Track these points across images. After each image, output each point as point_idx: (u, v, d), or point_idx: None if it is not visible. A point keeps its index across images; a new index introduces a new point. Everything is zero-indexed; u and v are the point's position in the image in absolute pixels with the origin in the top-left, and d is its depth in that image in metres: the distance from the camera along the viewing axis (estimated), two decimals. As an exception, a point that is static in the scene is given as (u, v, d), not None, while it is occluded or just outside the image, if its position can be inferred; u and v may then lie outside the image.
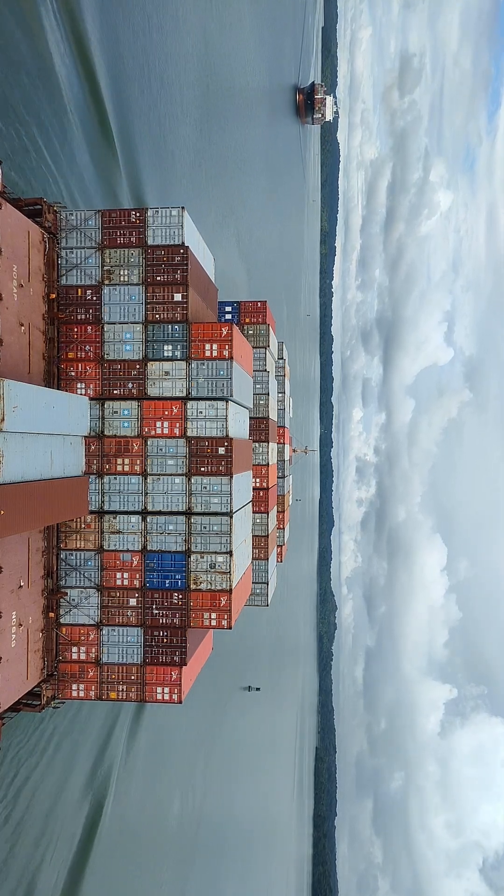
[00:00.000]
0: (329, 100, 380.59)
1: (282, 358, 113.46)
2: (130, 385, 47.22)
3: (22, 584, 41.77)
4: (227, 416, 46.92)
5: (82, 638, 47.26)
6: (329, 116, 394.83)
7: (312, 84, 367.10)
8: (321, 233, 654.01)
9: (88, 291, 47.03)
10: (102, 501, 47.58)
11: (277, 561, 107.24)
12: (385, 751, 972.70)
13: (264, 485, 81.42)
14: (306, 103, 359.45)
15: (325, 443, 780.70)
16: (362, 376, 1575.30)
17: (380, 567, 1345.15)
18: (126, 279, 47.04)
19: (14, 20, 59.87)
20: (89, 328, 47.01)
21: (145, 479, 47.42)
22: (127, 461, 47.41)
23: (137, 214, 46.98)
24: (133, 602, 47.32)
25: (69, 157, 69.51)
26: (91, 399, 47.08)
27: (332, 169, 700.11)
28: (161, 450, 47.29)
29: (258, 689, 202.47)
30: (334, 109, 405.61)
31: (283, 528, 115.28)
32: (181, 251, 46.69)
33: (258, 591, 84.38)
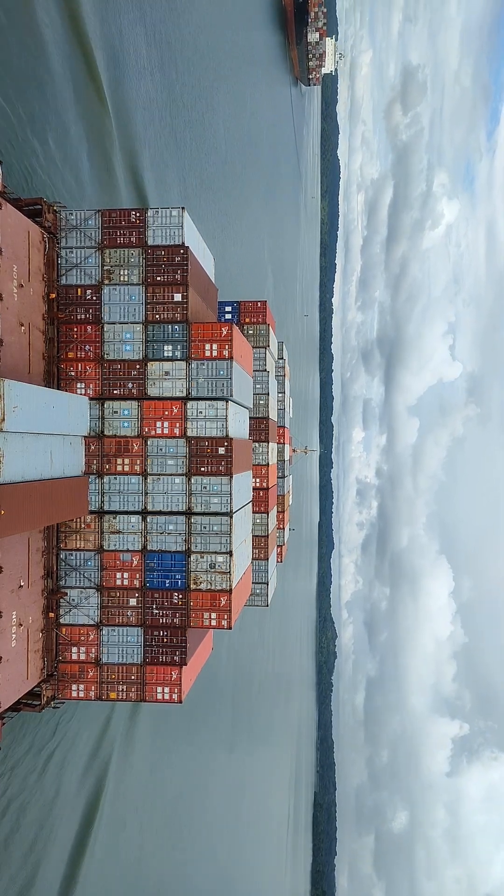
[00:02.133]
0: (329, 43, 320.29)
1: (282, 358, 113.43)
2: (130, 385, 47.23)
3: (22, 584, 41.77)
4: (227, 416, 46.93)
5: (82, 638, 47.26)
6: (330, 67, 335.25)
7: None
8: (321, 244, 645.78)
9: (88, 291, 47.04)
10: (102, 501, 47.59)
11: (277, 561, 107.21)
12: (387, 785, 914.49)
13: (264, 485, 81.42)
14: (297, 16, 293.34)
15: (325, 463, 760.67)
16: (363, 397, 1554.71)
17: (381, 592, 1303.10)
18: (126, 279, 47.05)
19: (14, 18, 59.86)
20: (89, 328, 47.02)
21: (145, 479, 47.42)
22: (127, 461, 47.42)
23: (137, 214, 46.99)
24: (133, 602, 47.33)
25: (69, 157, 69.49)
26: (91, 399, 47.08)
27: (332, 189, 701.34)
28: (161, 450, 47.30)
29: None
30: (337, 57, 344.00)
31: (283, 528, 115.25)
32: (181, 251, 46.70)
33: (258, 591, 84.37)
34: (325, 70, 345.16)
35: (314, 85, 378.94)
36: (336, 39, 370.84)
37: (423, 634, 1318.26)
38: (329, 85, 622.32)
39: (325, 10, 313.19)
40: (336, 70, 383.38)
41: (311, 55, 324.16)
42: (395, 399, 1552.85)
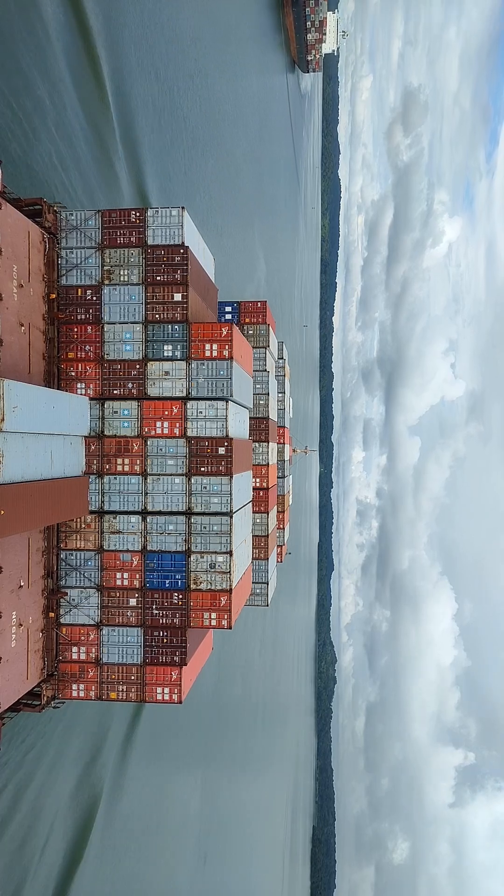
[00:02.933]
0: (331, 17, 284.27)
1: (282, 358, 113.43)
2: (130, 385, 47.23)
3: (22, 584, 41.77)
4: (227, 416, 46.93)
5: (82, 638, 47.26)
6: (332, 45, 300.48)
7: None
8: (321, 262, 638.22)
9: (88, 291, 47.04)
10: (102, 501, 47.58)
11: (277, 561, 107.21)
12: (388, 815, 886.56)
13: (264, 485, 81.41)
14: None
15: (325, 483, 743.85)
16: (363, 417, 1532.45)
17: (381, 615, 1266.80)
18: (126, 279, 47.05)
19: (16, 17, 59.87)
20: (89, 328, 47.02)
21: (145, 479, 47.42)
22: (127, 461, 47.41)
23: (137, 214, 46.98)
24: (133, 602, 47.32)
25: (69, 156, 69.49)
26: (91, 399, 47.08)
27: (333, 209, 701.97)
28: (161, 450, 47.29)
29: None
30: (340, 33, 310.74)
31: (283, 528, 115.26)
32: (181, 251, 46.70)
33: (258, 591, 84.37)
34: (326, 48, 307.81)
35: (314, 71, 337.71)
36: (338, 13, 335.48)
37: (424, 660, 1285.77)
38: (329, 87, 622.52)
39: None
40: (338, 51, 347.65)
41: (310, 25, 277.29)
42: (395, 418, 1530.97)
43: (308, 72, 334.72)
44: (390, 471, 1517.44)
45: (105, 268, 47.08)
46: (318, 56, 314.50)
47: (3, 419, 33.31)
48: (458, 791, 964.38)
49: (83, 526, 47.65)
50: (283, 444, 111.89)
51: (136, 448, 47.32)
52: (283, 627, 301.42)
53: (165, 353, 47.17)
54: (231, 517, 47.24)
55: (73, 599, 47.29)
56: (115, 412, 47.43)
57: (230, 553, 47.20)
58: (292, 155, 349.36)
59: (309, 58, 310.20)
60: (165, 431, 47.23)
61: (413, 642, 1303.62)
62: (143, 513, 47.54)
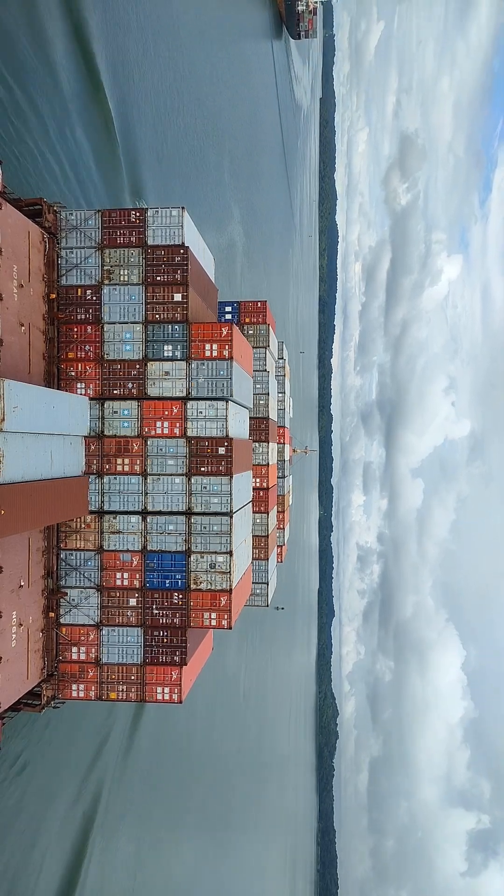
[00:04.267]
0: None
1: (282, 358, 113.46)
2: (130, 385, 47.23)
3: (22, 583, 41.78)
4: (227, 416, 46.93)
5: (82, 638, 47.26)
6: None
7: None
8: (319, 300, 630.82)
9: (88, 291, 47.04)
10: (102, 501, 47.58)
11: (277, 561, 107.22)
12: (395, 880, 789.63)
13: (264, 485, 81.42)
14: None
15: (325, 527, 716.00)
16: (363, 460, 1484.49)
17: (385, 665, 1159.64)
18: (126, 279, 47.05)
19: (16, 18, 59.89)
20: (89, 328, 47.02)
21: (145, 479, 47.42)
22: (127, 461, 47.41)
23: (137, 214, 46.98)
24: (133, 602, 47.32)
25: (70, 156, 69.51)
26: (91, 399, 47.08)
27: (331, 251, 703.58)
28: (161, 450, 47.29)
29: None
30: None
31: (283, 528, 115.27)
32: (181, 251, 46.69)
33: (258, 591, 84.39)
34: None
35: (307, 37, 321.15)
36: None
37: (431, 716, 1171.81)
38: (326, 131, 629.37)
39: None
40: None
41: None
42: (397, 461, 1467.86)
43: (299, 38, 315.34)
44: (392, 515, 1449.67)
45: (105, 268, 47.07)
46: (311, 11, 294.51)
47: (3, 419, 33.31)
48: (470, 857, 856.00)
49: (83, 526, 47.64)
50: (283, 444, 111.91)
51: (136, 448, 47.31)
52: (282, 678, 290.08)
53: (165, 353, 47.16)
54: (231, 517, 47.24)
55: (73, 599, 47.29)
56: (115, 412, 47.42)
57: (230, 553, 47.20)
58: (285, 170, 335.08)
59: (299, 8, 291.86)
60: (165, 431, 47.23)
61: (419, 696, 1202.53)
62: (143, 513, 47.54)
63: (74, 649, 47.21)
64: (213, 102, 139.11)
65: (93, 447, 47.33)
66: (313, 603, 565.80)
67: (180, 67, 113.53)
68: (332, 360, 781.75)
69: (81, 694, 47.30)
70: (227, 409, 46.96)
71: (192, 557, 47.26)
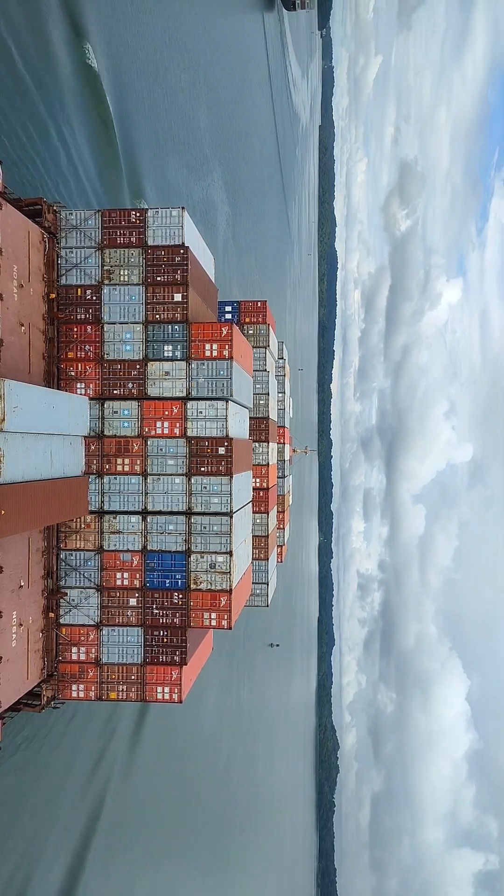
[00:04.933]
0: None
1: (282, 358, 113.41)
2: (130, 385, 47.22)
3: (22, 584, 41.77)
4: (227, 416, 46.92)
5: (82, 638, 47.25)
6: None
7: None
8: (319, 324, 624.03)
9: (88, 291, 47.03)
10: (102, 501, 47.58)
11: (277, 561, 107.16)
12: None
13: (264, 485, 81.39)
14: None
15: (325, 553, 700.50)
16: (363, 486, 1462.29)
17: (386, 696, 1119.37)
18: (126, 279, 47.04)
19: (17, 18, 59.87)
20: (89, 328, 47.01)
21: (145, 479, 47.41)
22: (127, 461, 47.41)
23: (137, 214, 46.98)
24: (133, 602, 47.32)
25: (71, 156, 69.50)
26: (91, 399, 47.07)
27: (330, 276, 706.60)
28: (161, 450, 47.29)
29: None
30: None
31: (283, 528, 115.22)
32: (181, 251, 46.68)
33: (258, 591, 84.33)
34: None
35: (303, 7, 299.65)
36: None
37: (435, 752, 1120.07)
38: (325, 158, 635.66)
39: None
40: None
41: None
42: (398, 487, 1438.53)
43: (294, 9, 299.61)
44: (393, 542, 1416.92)
45: (105, 268, 47.06)
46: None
47: (3, 419, 33.30)
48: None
49: (83, 526, 47.64)
50: (283, 443, 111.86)
51: (136, 448, 47.31)
52: (281, 709, 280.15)
53: (165, 353, 47.16)
54: (231, 517, 47.24)
55: (73, 599, 47.28)
56: (115, 412, 47.42)
57: (230, 553, 47.20)
58: (281, 183, 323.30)
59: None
60: (165, 431, 47.23)
61: (423, 730, 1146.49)
62: (144, 513, 47.53)
63: (74, 649, 47.20)
64: (204, 78, 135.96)
65: (93, 447, 47.33)
66: (313, 631, 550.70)
67: (172, 50, 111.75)
68: (331, 385, 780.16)
69: (81, 694, 47.30)
70: (227, 409, 46.96)
71: (192, 557, 47.26)
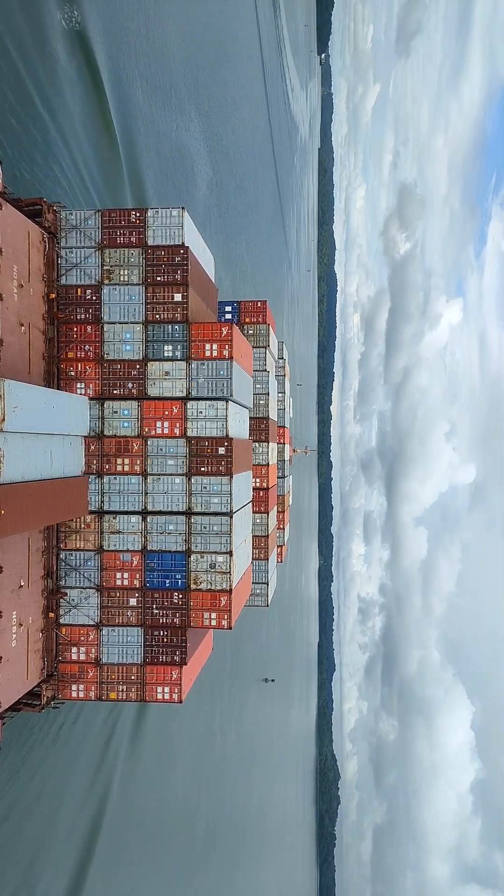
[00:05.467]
0: None
1: (282, 358, 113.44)
2: (130, 385, 47.21)
3: (22, 584, 41.76)
4: (227, 416, 46.92)
5: (82, 638, 47.24)
6: None
7: None
8: (318, 346, 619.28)
9: (88, 291, 47.02)
10: (102, 501, 47.57)
11: (277, 561, 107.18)
12: None
13: (264, 485, 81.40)
14: None
15: (325, 576, 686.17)
16: (363, 509, 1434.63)
17: (388, 724, 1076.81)
18: (126, 279, 47.03)
19: (18, 18, 59.86)
20: (89, 328, 47.00)
21: (145, 479, 47.41)
22: (127, 461, 47.40)
23: (137, 214, 46.97)
24: (133, 602, 47.31)
25: (72, 156, 69.49)
26: (91, 399, 47.07)
27: (330, 305, 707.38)
28: (161, 450, 47.28)
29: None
30: None
31: (283, 529, 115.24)
32: (181, 251, 46.68)
33: (258, 591, 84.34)
34: None
35: None
36: None
37: (440, 784, 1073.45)
38: (325, 180, 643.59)
39: None
40: None
41: None
42: (398, 510, 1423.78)
43: None
44: (394, 565, 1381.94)
45: (105, 268, 47.05)
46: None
47: (3, 419, 33.29)
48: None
49: (83, 526, 47.63)
50: (283, 443, 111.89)
51: (136, 448, 47.30)
52: (279, 738, 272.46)
53: (165, 353, 47.15)
54: (231, 517, 47.23)
55: (73, 599, 47.28)
56: (115, 412, 47.41)
57: (230, 553, 47.19)
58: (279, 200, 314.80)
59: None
60: (165, 431, 47.22)
61: (426, 761, 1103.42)
62: (144, 513, 47.52)
63: (74, 649, 47.19)
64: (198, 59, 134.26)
65: (93, 447, 47.32)
66: (313, 657, 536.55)
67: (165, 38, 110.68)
68: (331, 407, 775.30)
69: (81, 694, 47.28)
70: (227, 409, 46.95)
71: (192, 557, 47.26)
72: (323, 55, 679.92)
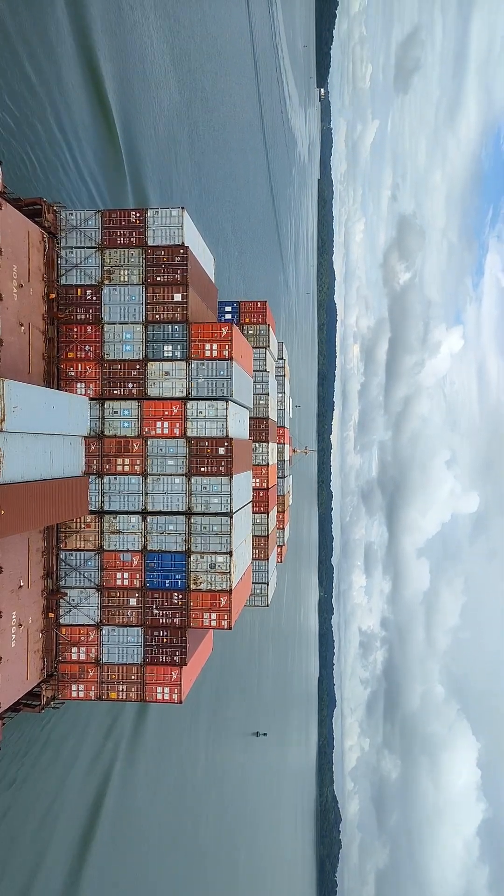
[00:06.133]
0: None
1: (282, 358, 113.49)
2: (130, 385, 47.22)
3: (22, 584, 41.76)
4: (227, 416, 46.92)
5: (82, 638, 47.25)
6: None
7: None
8: (318, 374, 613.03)
9: (88, 291, 47.03)
10: (102, 501, 47.58)
11: (277, 561, 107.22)
12: None
13: (264, 485, 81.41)
14: None
15: (326, 609, 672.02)
16: (364, 540, 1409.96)
17: (391, 763, 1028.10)
18: (126, 279, 47.04)
19: (21, 20, 59.83)
20: (89, 328, 47.01)
21: (145, 479, 47.41)
22: (127, 461, 47.41)
23: (137, 214, 46.98)
24: (133, 602, 47.32)
25: (73, 156, 69.47)
26: (91, 399, 47.08)
27: (329, 333, 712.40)
28: (161, 450, 47.29)
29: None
30: None
31: (283, 529, 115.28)
32: (181, 251, 46.68)
33: (258, 591, 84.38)
34: None
35: None
36: None
37: (445, 826, 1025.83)
38: (324, 211, 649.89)
39: None
40: None
41: None
42: (400, 541, 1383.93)
43: None
44: (396, 598, 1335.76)
45: (105, 268, 47.06)
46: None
47: (3, 419, 33.29)
48: None
49: (83, 526, 47.64)
50: (283, 444, 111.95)
51: (136, 448, 47.31)
52: (277, 778, 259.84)
53: (165, 354, 47.16)
54: (231, 517, 47.23)
55: (73, 599, 47.28)
56: (115, 412, 47.42)
57: (230, 553, 47.19)
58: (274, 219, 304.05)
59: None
60: (165, 431, 47.22)
61: (430, 802, 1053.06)
62: (144, 513, 47.52)
63: (74, 649, 47.20)
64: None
65: (93, 447, 47.33)
66: (313, 693, 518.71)
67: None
68: (331, 436, 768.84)
69: (81, 694, 47.29)
70: (227, 409, 46.95)
71: (192, 557, 47.26)
72: (322, 90, 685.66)
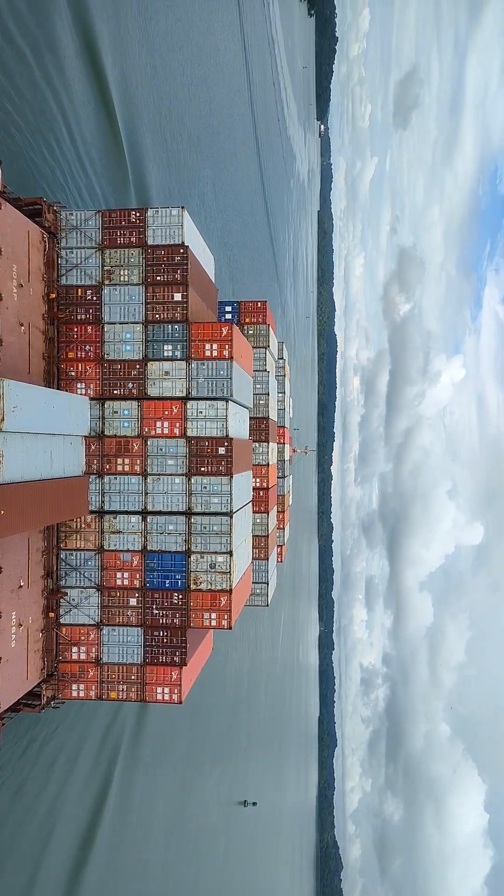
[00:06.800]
0: None
1: (282, 358, 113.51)
2: (130, 385, 47.22)
3: (22, 584, 41.75)
4: (227, 416, 46.91)
5: (82, 638, 47.25)
6: None
7: None
8: (318, 403, 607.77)
9: (88, 291, 47.03)
10: (102, 501, 47.57)
11: (277, 561, 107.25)
12: None
13: (264, 485, 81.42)
14: None
15: (326, 644, 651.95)
16: (365, 574, 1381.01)
17: (393, 805, 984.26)
18: (126, 279, 47.03)
19: (25, 19, 59.84)
20: (89, 328, 47.01)
21: (145, 479, 47.40)
22: (127, 461, 47.40)
23: (137, 214, 46.97)
24: (133, 602, 47.32)
25: (74, 157, 69.45)
26: (91, 399, 47.07)
27: (329, 363, 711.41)
28: (161, 450, 47.28)
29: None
30: None
31: (283, 528, 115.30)
32: (181, 251, 46.68)
33: (258, 591, 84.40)
34: None
35: None
36: None
37: (450, 878, 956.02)
38: (324, 240, 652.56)
39: None
40: None
41: None
42: (402, 574, 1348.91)
43: None
44: (398, 633, 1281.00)
45: (105, 268, 47.05)
46: None
47: (3, 419, 33.28)
48: None
49: (83, 526, 47.64)
50: (283, 444, 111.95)
51: (136, 448, 47.30)
52: (278, 824, 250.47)
53: (165, 353, 47.15)
54: (231, 517, 47.23)
55: (73, 599, 47.27)
56: (116, 412, 47.42)
57: (230, 553, 47.18)
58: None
59: None
60: (165, 431, 47.22)
61: (435, 849, 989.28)
62: (144, 513, 47.52)
63: (74, 649, 47.20)
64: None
65: (93, 447, 47.32)
66: (313, 733, 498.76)
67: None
68: (331, 467, 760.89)
69: (81, 694, 47.29)
70: (227, 409, 46.94)
71: (192, 557, 47.25)
72: (322, 126, 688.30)
